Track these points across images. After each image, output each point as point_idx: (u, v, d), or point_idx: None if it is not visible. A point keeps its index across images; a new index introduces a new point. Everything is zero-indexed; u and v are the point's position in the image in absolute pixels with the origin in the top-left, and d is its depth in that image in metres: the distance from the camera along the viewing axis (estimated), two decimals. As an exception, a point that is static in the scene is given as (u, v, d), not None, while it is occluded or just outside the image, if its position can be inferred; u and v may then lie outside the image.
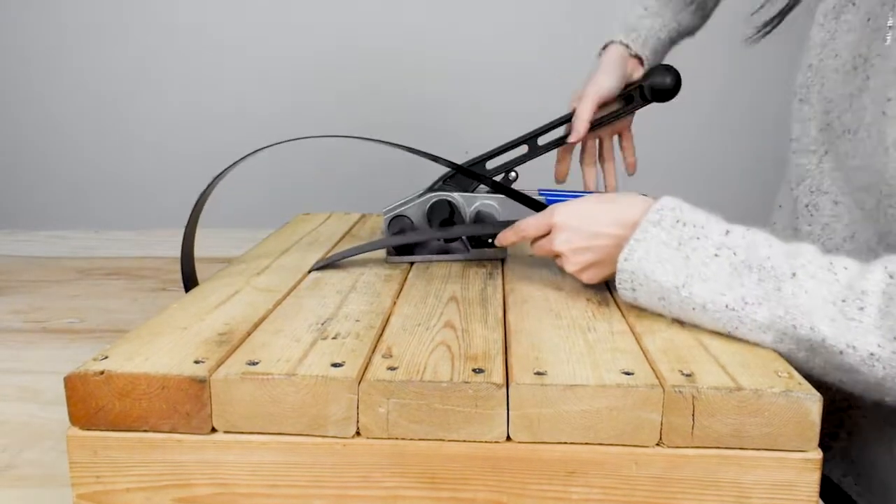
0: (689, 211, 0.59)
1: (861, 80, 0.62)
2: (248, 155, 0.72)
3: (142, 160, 2.05)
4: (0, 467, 0.60)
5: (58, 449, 0.62)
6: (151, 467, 0.48)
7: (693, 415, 0.46)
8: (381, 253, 0.79)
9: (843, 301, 0.51)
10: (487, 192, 0.79)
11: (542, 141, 0.84)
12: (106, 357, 0.50)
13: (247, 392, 0.47)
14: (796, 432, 0.46)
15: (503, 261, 0.78)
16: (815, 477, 0.46)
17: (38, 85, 2.04)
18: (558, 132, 0.86)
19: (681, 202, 0.59)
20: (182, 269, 0.72)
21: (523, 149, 0.84)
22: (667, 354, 0.51)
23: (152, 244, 1.26)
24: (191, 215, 0.72)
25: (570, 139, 0.85)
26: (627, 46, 0.86)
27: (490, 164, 0.83)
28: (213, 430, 0.48)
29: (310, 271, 0.73)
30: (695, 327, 0.57)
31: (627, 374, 0.48)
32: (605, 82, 0.84)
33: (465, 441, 0.47)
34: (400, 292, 0.66)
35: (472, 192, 0.80)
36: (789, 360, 0.54)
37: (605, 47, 0.88)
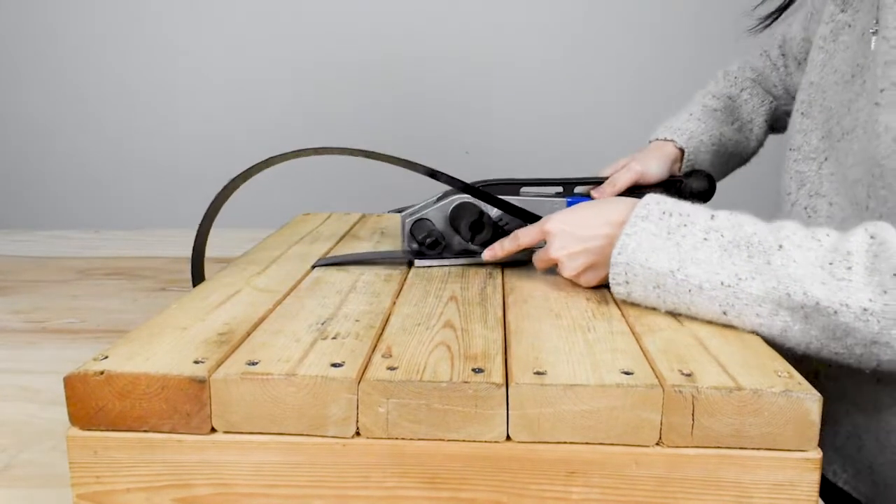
0: (673, 203, 0.61)
1: (858, 86, 0.66)
2: (265, 163, 0.72)
3: (142, 160, 2.05)
4: (0, 467, 0.60)
5: (58, 449, 0.62)
6: (151, 467, 0.48)
7: (693, 415, 0.46)
8: None
9: (831, 264, 0.53)
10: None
11: (576, 189, 0.85)
12: (106, 357, 0.50)
13: (247, 392, 0.47)
14: (796, 432, 0.46)
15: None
16: (815, 477, 0.46)
17: (38, 85, 2.04)
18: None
19: (664, 197, 0.62)
20: (192, 266, 0.72)
21: (552, 185, 0.84)
22: (666, 354, 0.51)
23: (152, 244, 1.26)
24: (205, 216, 0.72)
25: (593, 194, 0.85)
26: (673, 141, 0.89)
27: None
28: (213, 430, 0.48)
29: (313, 267, 0.74)
30: (693, 325, 0.57)
31: (627, 374, 0.48)
32: (653, 169, 0.86)
33: (464, 441, 0.47)
34: (400, 292, 0.66)
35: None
36: (786, 341, 0.55)
37: (650, 142, 0.92)
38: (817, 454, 0.46)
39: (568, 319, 0.59)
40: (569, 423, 0.46)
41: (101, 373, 0.47)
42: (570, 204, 0.77)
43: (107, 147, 2.06)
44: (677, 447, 0.46)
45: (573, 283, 0.68)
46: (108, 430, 0.48)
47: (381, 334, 0.55)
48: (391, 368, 0.48)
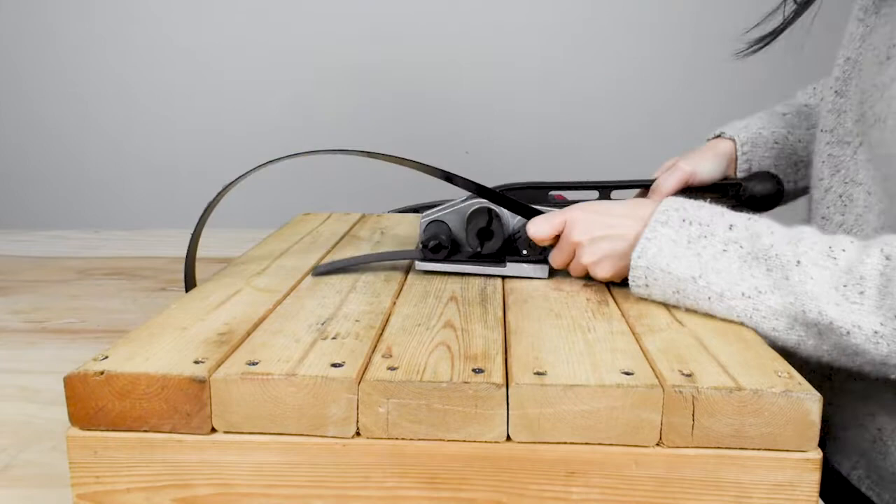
0: (692, 209, 0.61)
1: (893, 69, 0.62)
2: (261, 166, 0.71)
3: (142, 160, 2.05)
4: (0, 467, 0.60)
5: (58, 449, 0.62)
6: (151, 467, 0.48)
7: (693, 415, 0.46)
8: None
9: (845, 286, 0.54)
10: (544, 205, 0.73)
11: (614, 194, 0.79)
12: (106, 357, 0.50)
13: (247, 392, 0.47)
14: (796, 432, 0.46)
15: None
16: (815, 477, 0.46)
17: (38, 85, 2.04)
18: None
19: (683, 201, 0.62)
20: (185, 273, 0.72)
21: (590, 190, 0.79)
22: (667, 354, 0.51)
23: (152, 244, 1.26)
24: (198, 223, 0.72)
25: None
26: (732, 140, 0.82)
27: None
28: (213, 430, 0.48)
29: (313, 275, 0.73)
30: (694, 326, 0.57)
31: (627, 374, 0.48)
32: (704, 167, 0.80)
33: (464, 441, 0.47)
34: (399, 292, 0.66)
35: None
36: (798, 352, 0.56)
37: (710, 139, 0.86)
38: (817, 454, 0.46)
39: (568, 319, 0.59)
40: (569, 424, 0.46)
41: (101, 373, 0.47)
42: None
43: (107, 147, 2.06)
44: (677, 447, 0.46)
45: (573, 284, 0.68)
46: (108, 430, 0.48)
47: (382, 334, 0.55)
48: (391, 368, 0.48)
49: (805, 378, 0.48)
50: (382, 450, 0.47)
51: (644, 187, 0.81)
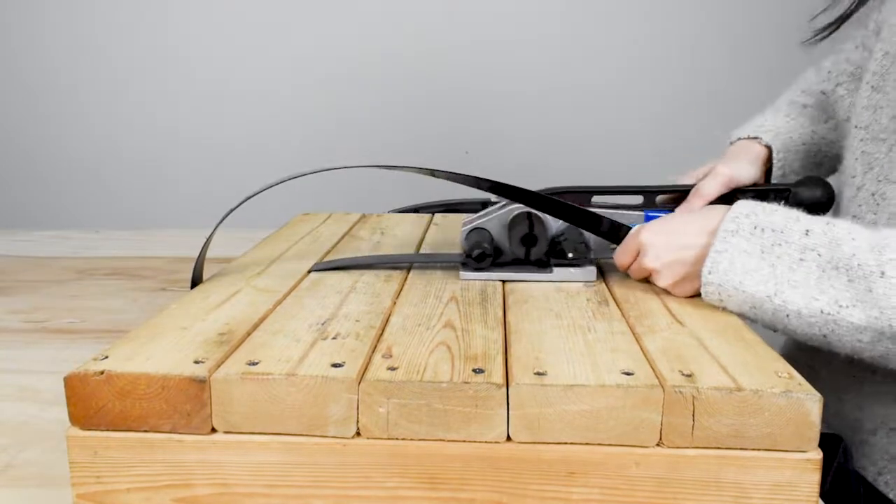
0: (764, 215, 0.58)
1: None
2: (293, 177, 0.70)
3: (142, 160, 2.05)
4: (0, 467, 0.60)
5: (58, 449, 0.62)
6: (151, 467, 0.48)
7: (693, 415, 0.46)
8: None
9: None
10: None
11: (658, 199, 0.78)
12: (106, 357, 0.50)
13: (247, 392, 0.47)
14: (796, 433, 0.46)
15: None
16: (815, 477, 0.46)
17: (38, 85, 2.04)
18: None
19: (755, 205, 0.59)
20: (194, 272, 0.72)
21: (633, 195, 0.77)
22: (667, 354, 0.51)
23: (152, 244, 1.26)
24: (216, 225, 0.72)
25: (679, 211, 0.75)
26: (758, 139, 0.80)
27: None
28: (213, 430, 0.48)
29: (310, 271, 0.73)
30: (694, 326, 0.57)
31: (627, 374, 0.48)
32: (744, 170, 0.77)
33: (465, 441, 0.47)
34: (400, 292, 0.66)
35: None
36: (888, 363, 0.54)
37: (731, 143, 0.83)
38: (817, 455, 0.46)
39: (568, 319, 0.59)
40: (569, 424, 0.46)
41: (101, 373, 0.47)
42: (647, 220, 0.70)
43: (107, 148, 2.06)
44: (677, 448, 0.46)
45: (573, 284, 0.68)
46: (108, 430, 0.48)
47: (382, 334, 0.55)
48: (391, 369, 0.48)
49: (832, 381, 0.47)
50: (382, 450, 0.47)
51: (685, 192, 0.78)
